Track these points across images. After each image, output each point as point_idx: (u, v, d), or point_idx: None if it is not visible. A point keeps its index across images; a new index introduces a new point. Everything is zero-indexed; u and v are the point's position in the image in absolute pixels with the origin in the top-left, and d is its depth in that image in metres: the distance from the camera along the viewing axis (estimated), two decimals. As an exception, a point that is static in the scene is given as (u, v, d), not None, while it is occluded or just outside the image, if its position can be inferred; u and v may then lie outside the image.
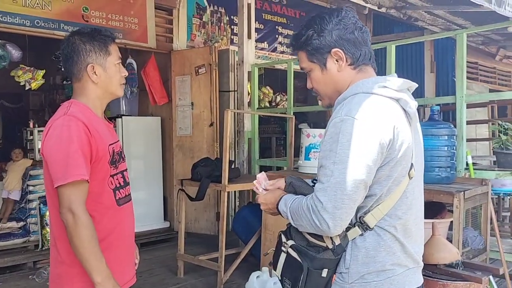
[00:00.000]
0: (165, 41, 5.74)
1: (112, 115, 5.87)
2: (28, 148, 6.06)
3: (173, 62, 5.69)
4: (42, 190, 5.07)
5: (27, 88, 4.73)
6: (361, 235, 1.35)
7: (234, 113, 5.31)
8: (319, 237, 1.35)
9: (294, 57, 5.65)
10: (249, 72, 5.08)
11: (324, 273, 1.36)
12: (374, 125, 1.26)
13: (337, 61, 1.39)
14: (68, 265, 1.62)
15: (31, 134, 6.25)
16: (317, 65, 1.42)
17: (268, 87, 7.23)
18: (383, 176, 1.31)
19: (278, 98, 8.13)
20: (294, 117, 4.54)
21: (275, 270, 1.49)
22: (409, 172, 1.36)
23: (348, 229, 1.34)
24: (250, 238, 4.21)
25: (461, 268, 2.36)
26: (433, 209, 3.15)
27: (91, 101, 1.69)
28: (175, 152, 5.72)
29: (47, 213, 4.87)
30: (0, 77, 6.12)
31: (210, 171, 4.01)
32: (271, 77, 7.40)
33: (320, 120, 7.98)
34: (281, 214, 1.45)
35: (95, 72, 1.67)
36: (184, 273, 4.21)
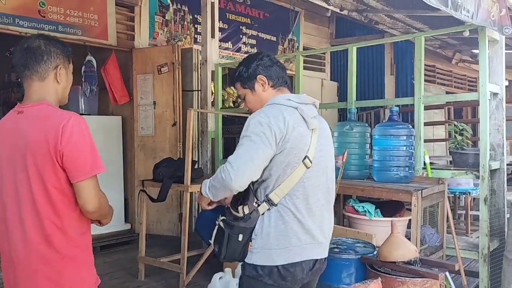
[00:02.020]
0: (126, 39, 5.61)
1: (70, 114, 5.68)
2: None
3: (135, 60, 5.56)
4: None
5: (-22, 85, 4.49)
6: (268, 209, 1.76)
7: (198, 112, 5.25)
8: (236, 209, 1.78)
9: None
10: (212, 72, 5.04)
11: (240, 237, 1.76)
12: (271, 121, 1.72)
13: (262, 85, 1.91)
14: (70, 258, 1.65)
15: (-17, 133, 5.99)
16: (248, 90, 1.94)
17: (232, 87, 7.21)
18: (279, 161, 1.74)
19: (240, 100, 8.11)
20: (257, 117, 4.54)
21: (210, 240, 1.88)
22: (303, 161, 1.76)
23: (258, 205, 1.76)
24: (213, 239, 4.16)
25: (419, 265, 2.42)
26: (392, 208, 3.23)
27: (55, 102, 1.70)
28: (136, 152, 5.60)
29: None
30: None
31: (173, 171, 3.94)
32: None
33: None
34: (209, 198, 1.83)
35: (60, 74, 1.71)
36: (145, 276, 4.12)
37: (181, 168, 3.82)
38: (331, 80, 8.78)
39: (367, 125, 3.53)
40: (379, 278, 2.38)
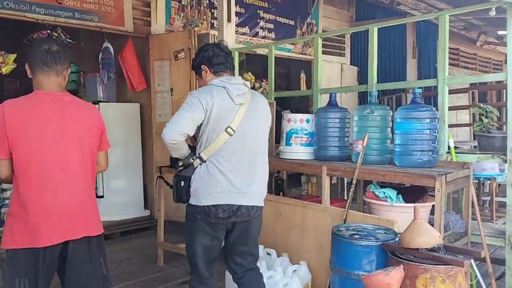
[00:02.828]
0: (142, 25, 5.57)
1: (89, 101, 5.70)
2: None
3: (151, 47, 5.53)
4: None
5: (-3, 73, 4.52)
6: (200, 164, 2.32)
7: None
8: (177, 162, 2.38)
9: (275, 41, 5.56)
10: (229, 57, 4.96)
11: (182, 183, 2.37)
12: (201, 95, 2.28)
13: (205, 72, 2.44)
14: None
15: (5, 121, 6.06)
16: (198, 76, 2.51)
17: (250, 73, 7.12)
18: (206, 129, 2.29)
19: (258, 85, 8.03)
20: (275, 102, 4.46)
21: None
22: (226, 130, 2.27)
23: (194, 160, 2.32)
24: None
25: (443, 252, 2.33)
26: (414, 193, 3.13)
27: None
28: (154, 139, 5.59)
29: None
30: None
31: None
32: (253, 63, 7.28)
33: (303, 106, 7.92)
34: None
35: (68, 73, 2.16)
36: (164, 261, 4.14)
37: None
38: (351, 64, 8.60)
39: (388, 108, 3.42)
40: (401, 265, 2.30)
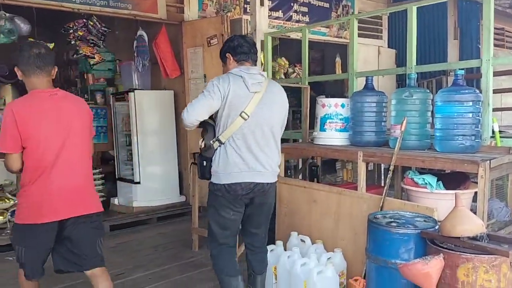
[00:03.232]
0: (176, 12, 5.57)
1: (124, 89, 5.79)
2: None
3: (185, 33, 5.53)
4: None
5: (36, 62, 4.62)
6: (219, 146, 2.55)
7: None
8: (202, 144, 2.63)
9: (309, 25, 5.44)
10: (262, 42, 4.89)
11: (204, 163, 2.61)
12: (220, 83, 2.51)
13: (228, 59, 2.68)
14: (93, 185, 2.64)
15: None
16: (223, 63, 2.74)
17: (283, 58, 7.03)
18: (223, 114, 2.52)
19: (291, 70, 7.91)
20: (309, 87, 4.37)
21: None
22: (241, 115, 2.50)
23: (213, 142, 2.55)
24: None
25: (486, 241, 2.22)
26: (455, 180, 3.00)
27: None
28: (188, 126, 5.61)
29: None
30: (11, 53, 6.02)
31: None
32: (287, 48, 7.17)
33: (337, 92, 7.75)
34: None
35: (55, 71, 2.46)
36: (199, 247, 4.17)
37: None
38: (388, 47, 8.33)
39: (428, 91, 3.26)
40: (441, 254, 2.21)
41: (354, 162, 3.72)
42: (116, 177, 5.83)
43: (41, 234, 2.35)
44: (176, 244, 4.38)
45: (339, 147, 3.52)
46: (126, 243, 4.55)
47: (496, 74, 5.49)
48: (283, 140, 5.52)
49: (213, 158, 2.58)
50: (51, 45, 4.62)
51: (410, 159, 2.96)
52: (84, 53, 4.81)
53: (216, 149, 2.56)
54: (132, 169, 5.62)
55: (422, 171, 3.12)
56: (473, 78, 8.06)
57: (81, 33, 4.68)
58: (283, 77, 6.69)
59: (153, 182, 5.55)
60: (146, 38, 5.33)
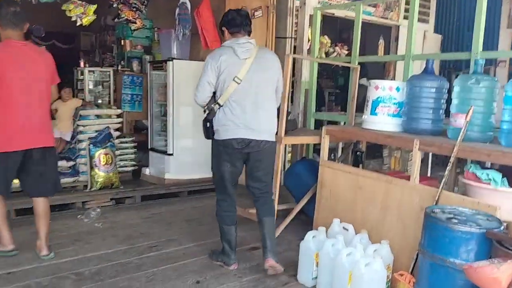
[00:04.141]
0: (220, -21, 5.36)
1: (162, 58, 5.65)
2: (78, 88, 5.99)
3: (228, 3, 5.32)
4: (92, 131, 5.00)
5: (78, 24, 4.51)
6: (219, 108, 2.95)
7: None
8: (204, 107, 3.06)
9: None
10: (310, 17, 4.66)
11: (208, 124, 3.02)
12: (214, 57, 2.95)
13: (224, 31, 3.08)
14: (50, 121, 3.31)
15: (82, 74, 6.17)
16: (222, 35, 3.15)
17: (326, 37, 6.74)
18: (219, 80, 2.93)
19: (332, 50, 7.61)
20: (359, 67, 4.14)
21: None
22: (234, 79, 2.89)
23: (214, 105, 2.95)
24: (302, 195, 3.97)
25: None
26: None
27: None
28: (225, 100, 5.45)
29: (96, 154, 4.82)
30: (52, 17, 5.93)
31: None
32: (329, 26, 6.87)
33: (378, 75, 7.44)
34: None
35: (26, 27, 3.05)
36: (234, 224, 4.05)
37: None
38: (434, 32, 7.93)
39: (496, 79, 3.01)
40: (514, 259, 2.01)
41: (403, 150, 3.51)
42: (149, 147, 5.76)
43: (9, 159, 3.02)
44: (210, 219, 4.24)
45: (393, 133, 3.30)
46: (159, 214, 4.48)
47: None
48: (319, 122, 5.38)
49: (213, 119, 2.98)
50: (93, 7, 4.49)
51: (474, 151, 2.73)
52: (126, 17, 4.68)
53: (216, 111, 2.95)
54: (165, 140, 5.53)
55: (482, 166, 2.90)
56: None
57: (124, -4, 4.53)
58: (324, 56, 6.43)
59: (186, 155, 5.45)
60: (189, 6, 5.15)
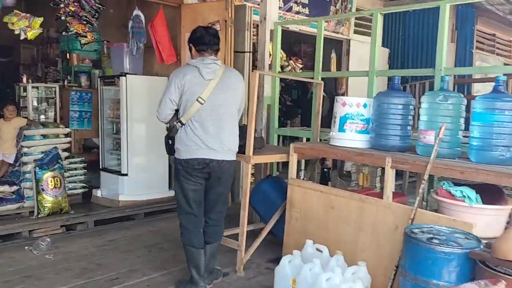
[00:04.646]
0: (175, -7, 5.18)
1: (113, 73, 5.36)
2: (21, 105, 5.55)
3: (183, 17, 5.16)
4: (37, 152, 4.62)
5: (22, 38, 4.14)
6: (181, 127, 2.95)
7: (250, 77, 4.83)
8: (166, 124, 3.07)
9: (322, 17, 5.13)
10: (271, 31, 4.59)
11: (170, 142, 3.04)
12: (178, 76, 2.93)
13: (191, 49, 3.06)
14: None
15: (25, 90, 5.72)
16: (190, 51, 3.10)
17: (281, 51, 6.72)
18: (182, 99, 2.92)
19: (287, 63, 7.64)
20: (322, 83, 4.10)
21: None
22: (197, 100, 2.89)
23: (176, 123, 2.94)
24: (269, 214, 3.84)
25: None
26: (488, 193, 2.80)
27: None
28: (183, 116, 5.25)
29: (44, 177, 4.46)
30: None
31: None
32: (282, 40, 6.88)
33: (329, 89, 7.50)
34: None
35: None
36: (197, 249, 3.84)
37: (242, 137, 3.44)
38: (382, 46, 8.17)
39: (462, 96, 3.05)
40: (502, 281, 2.00)
41: (371, 166, 3.49)
42: (100, 167, 5.41)
43: None
44: (171, 244, 4.03)
45: (363, 150, 3.26)
46: (115, 240, 4.17)
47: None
48: (294, 139, 5.29)
49: (175, 137, 2.98)
50: (39, 20, 4.16)
51: (447, 169, 2.73)
52: (75, 30, 4.37)
53: (178, 129, 2.94)
54: (118, 159, 5.23)
55: (441, 180, 2.92)
56: (463, 83, 8.04)
57: (73, 9, 4.23)
58: (279, 70, 6.40)
59: (141, 174, 5.18)
60: (143, 19, 4.92)
